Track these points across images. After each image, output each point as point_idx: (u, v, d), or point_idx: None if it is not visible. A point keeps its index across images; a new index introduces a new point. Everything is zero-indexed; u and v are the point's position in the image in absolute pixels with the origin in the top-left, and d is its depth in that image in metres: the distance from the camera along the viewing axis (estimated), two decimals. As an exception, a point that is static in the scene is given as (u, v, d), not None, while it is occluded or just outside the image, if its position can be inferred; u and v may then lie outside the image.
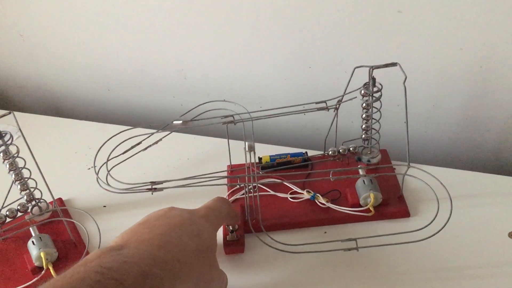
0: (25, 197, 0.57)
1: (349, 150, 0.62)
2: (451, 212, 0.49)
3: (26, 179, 0.56)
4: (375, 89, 0.55)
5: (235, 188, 0.61)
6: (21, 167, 0.55)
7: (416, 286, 0.49)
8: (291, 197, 0.59)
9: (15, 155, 0.53)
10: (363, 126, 0.59)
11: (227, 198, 0.60)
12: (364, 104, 0.57)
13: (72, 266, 0.35)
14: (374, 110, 0.57)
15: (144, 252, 0.37)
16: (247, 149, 0.53)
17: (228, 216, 0.50)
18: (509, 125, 0.68)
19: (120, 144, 0.61)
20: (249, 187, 0.57)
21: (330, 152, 0.62)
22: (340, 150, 0.62)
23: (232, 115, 0.58)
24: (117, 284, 0.33)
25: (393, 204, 0.57)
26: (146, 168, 0.66)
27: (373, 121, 0.58)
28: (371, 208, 0.55)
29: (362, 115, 0.58)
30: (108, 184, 0.57)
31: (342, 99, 0.58)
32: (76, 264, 0.35)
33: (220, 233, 0.53)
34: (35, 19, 0.79)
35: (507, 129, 0.69)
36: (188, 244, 0.40)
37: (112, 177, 0.58)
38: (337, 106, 0.59)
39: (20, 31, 0.82)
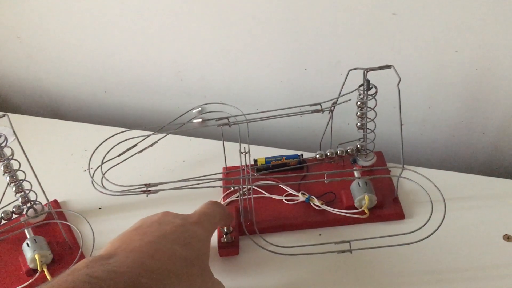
0: (20, 199, 0.57)
1: (338, 153, 0.62)
2: (444, 214, 0.49)
3: (21, 181, 0.56)
4: (369, 91, 0.55)
5: (230, 190, 0.61)
6: (15, 169, 0.55)
7: (410, 289, 0.49)
8: (286, 199, 0.59)
9: (10, 157, 0.53)
10: (358, 128, 0.59)
11: (221, 201, 0.60)
12: (358, 108, 0.57)
13: (60, 274, 0.35)
14: (369, 112, 0.57)
15: (133, 261, 0.37)
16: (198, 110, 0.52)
17: (222, 219, 0.50)
18: (504, 128, 0.68)
19: (115, 146, 0.61)
20: (244, 189, 0.57)
21: (318, 156, 0.61)
22: (328, 153, 0.61)
23: (227, 117, 0.58)
24: None
25: (388, 206, 0.57)
26: (142, 170, 0.66)
27: (368, 123, 0.58)
28: (366, 210, 0.55)
29: (357, 117, 0.58)
30: (103, 187, 0.57)
31: (336, 101, 0.58)
32: (64, 273, 0.35)
33: (214, 236, 0.53)
34: (32, 22, 0.80)
35: (502, 131, 0.69)
36: (179, 252, 0.40)
37: (107, 179, 0.58)
38: (332, 108, 0.59)
39: (17, 33, 0.82)
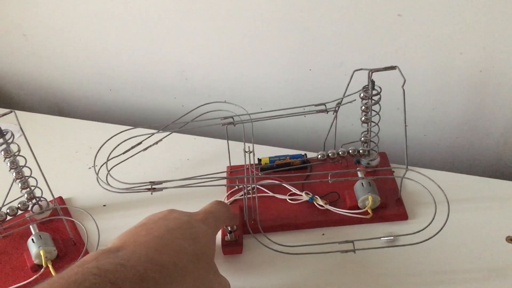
0: (25, 195, 0.57)
1: (339, 153, 0.62)
2: (448, 215, 0.49)
3: (26, 178, 0.56)
4: (374, 92, 0.55)
5: (234, 189, 0.61)
6: (22, 166, 0.55)
7: (412, 289, 0.50)
8: (289, 199, 0.59)
9: (16, 153, 0.54)
10: (362, 129, 0.59)
11: (225, 199, 0.60)
12: (363, 107, 0.57)
13: (69, 267, 0.35)
14: (373, 113, 0.57)
15: (140, 255, 0.37)
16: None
17: (227, 218, 0.51)
18: (508, 129, 0.69)
19: (120, 144, 0.61)
20: (248, 188, 0.58)
21: (319, 156, 0.61)
22: (340, 152, 0.62)
23: (231, 116, 0.58)
24: (113, 287, 0.33)
25: (391, 207, 0.57)
26: (146, 168, 0.66)
27: (372, 124, 0.59)
28: (369, 211, 0.56)
29: (362, 118, 0.58)
30: (108, 184, 0.58)
31: (341, 101, 0.58)
32: (74, 265, 0.35)
33: (218, 234, 0.53)
34: (38, 20, 0.80)
35: (506, 133, 0.69)
36: (185, 247, 0.40)
37: (112, 176, 0.58)
38: (337, 108, 0.59)
39: (23, 31, 0.82)
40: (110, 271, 0.34)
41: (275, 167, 0.63)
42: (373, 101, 0.56)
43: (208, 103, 0.65)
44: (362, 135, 0.60)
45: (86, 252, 0.55)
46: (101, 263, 0.35)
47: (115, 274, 0.34)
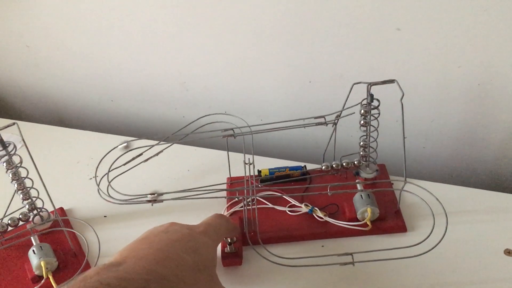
0: (27, 206, 0.57)
1: (343, 164, 0.62)
2: (446, 228, 0.50)
3: (28, 189, 0.56)
4: (373, 105, 0.56)
5: (234, 200, 0.61)
6: (23, 177, 0.55)
7: (411, 301, 0.50)
8: (289, 211, 0.59)
9: (18, 165, 0.54)
10: (361, 141, 0.60)
11: (225, 211, 0.61)
12: (362, 120, 0.58)
13: (71, 281, 0.35)
14: (372, 126, 0.58)
15: (142, 268, 0.38)
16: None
17: (227, 230, 0.51)
18: (507, 142, 0.69)
19: (122, 155, 0.62)
20: (248, 200, 0.58)
21: (324, 167, 0.62)
22: (333, 165, 0.62)
23: (232, 128, 0.59)
24: None
25: (390, 219, 0.58)
26: (147, 179, 0.67)
27: (371, 136, 0.59)
28: (368, 223, 0.56)
29: (360, 130, 0.59)
30: (109, 195, 0.58)
31: (340, 114, 0.59)
32: (76, 280, 0.36)
33: (218, 246, 0.53)
34: (41, 31, 0.81)
35: (505, 146, 0.70)
36: (186, 259, 0.41)
37: (112, 188, 0.59)
38: (336, 121, 0.59)
39: (26, 42, 0.83)
40: (112, 285, 0.34)
41: (274, 178, 0.63)
42: (371, 114, 0.57)
43: (208, 115, 0.65)
44: (361, 140, 0.60)
45: (87, 263, 0.55)
46: (103, 278, 0.35)
47: (117, 287, 0.34)
